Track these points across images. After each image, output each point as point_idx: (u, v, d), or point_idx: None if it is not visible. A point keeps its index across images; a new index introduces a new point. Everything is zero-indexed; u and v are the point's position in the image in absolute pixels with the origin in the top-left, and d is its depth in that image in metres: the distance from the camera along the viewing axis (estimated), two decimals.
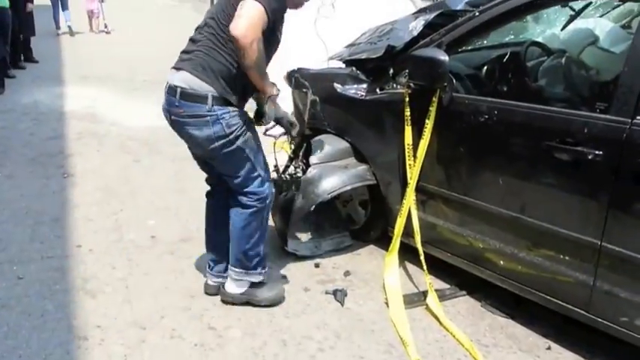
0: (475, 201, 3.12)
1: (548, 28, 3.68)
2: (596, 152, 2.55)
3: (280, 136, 4.64)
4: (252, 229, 3.10)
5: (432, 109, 3.14)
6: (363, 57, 3.61)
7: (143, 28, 13.86)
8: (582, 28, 3.59)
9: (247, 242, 3.11)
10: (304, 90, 3.90)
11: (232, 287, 3.24)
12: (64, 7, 12.77)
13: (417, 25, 3.56)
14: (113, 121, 6.61)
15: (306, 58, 5.36)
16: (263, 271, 3.23)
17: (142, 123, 6.46)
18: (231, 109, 2.88)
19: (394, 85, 3.48)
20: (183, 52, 2.96)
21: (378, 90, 3.55)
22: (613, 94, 2.61)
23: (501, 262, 3.08)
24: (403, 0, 8.08)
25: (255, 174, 3.04)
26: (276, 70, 4.58)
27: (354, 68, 3.75)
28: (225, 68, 2.83)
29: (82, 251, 3.72)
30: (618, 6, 3.58)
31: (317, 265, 3.68)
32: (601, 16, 3.67)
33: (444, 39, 3.23)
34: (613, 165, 2.53)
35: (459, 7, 3.84)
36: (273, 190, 3.18)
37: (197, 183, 3.52)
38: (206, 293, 3.33)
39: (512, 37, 3.72)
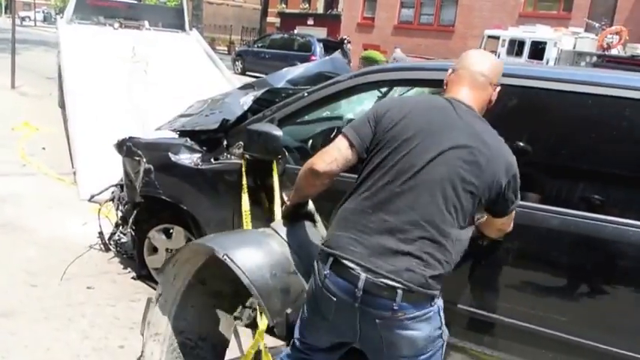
0: None
1: (358, 106, 4.19)
2: None
3: (106, 202, 4.64)
4: None
5: (275, 177, 3.32)
6: (198, 129, 3.81)
7: None
8: None
9: None
10: (136, 158, 3.99)
11: None
12: None
13: (247, 100, 3.86)
14: None
15: (122, 125, 5.43)
16: None
17: None
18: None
19: (228, 156, 3.72)
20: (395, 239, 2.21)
21: (212, 160, 3.75)
22: None
23: None
24: (214, 70, 8.44)
25: None
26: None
27: (187, 139, 3.92)
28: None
29: None
30: (412, 89, 4.18)
31: None
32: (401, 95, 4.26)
33: (276, 115, 3.55)
34: None
35: (281, 85, 4.23)
36: None
37: None
38: None
39: (328, 112, 4.17)
